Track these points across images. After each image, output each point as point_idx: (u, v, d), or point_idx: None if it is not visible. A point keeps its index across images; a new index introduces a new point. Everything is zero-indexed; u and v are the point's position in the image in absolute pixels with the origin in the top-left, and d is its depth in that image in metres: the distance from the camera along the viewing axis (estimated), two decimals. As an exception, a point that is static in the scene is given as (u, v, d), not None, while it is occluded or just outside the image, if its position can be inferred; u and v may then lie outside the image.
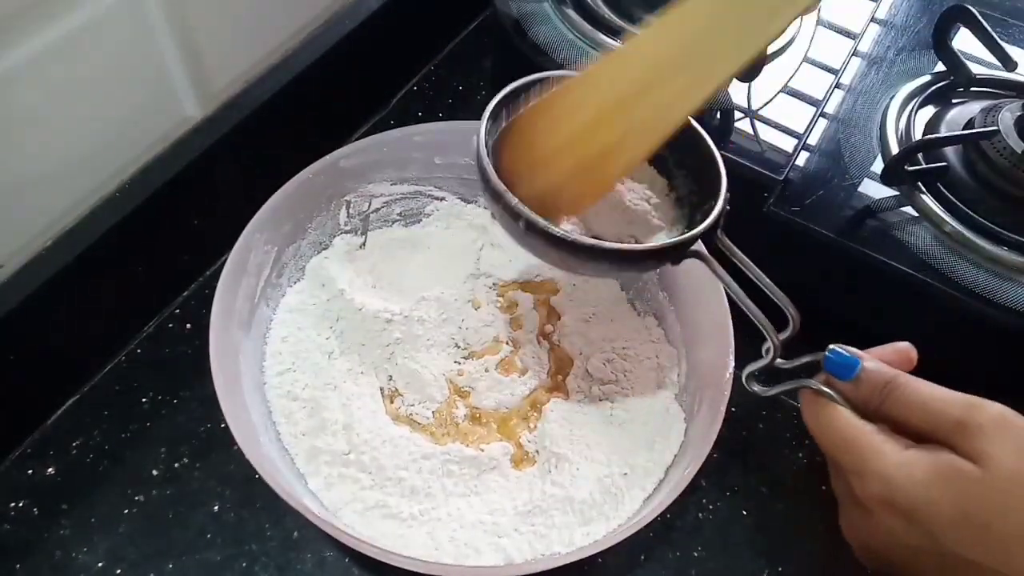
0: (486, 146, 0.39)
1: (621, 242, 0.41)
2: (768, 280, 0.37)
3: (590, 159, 0.38)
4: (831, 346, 0.36)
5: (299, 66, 0.55)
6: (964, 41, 0.56)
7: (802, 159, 0.52)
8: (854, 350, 0.36)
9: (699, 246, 0.39)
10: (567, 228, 0.40)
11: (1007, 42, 0.56)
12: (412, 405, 0.48)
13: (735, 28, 0.34)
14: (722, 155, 0.41)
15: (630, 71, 0.37)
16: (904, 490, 0.32)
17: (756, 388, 0.38)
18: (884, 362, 0.36)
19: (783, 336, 0.36)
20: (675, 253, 0.38)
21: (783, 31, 0.33)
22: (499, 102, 0.41)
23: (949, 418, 0.32)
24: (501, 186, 0.38)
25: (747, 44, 0.34)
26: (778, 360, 0.37)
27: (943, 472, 0.31)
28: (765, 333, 0.36)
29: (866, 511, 0.34)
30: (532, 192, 0.38)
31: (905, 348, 0.36)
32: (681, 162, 0.43)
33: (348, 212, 0.53)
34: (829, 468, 0.37)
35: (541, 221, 0.37)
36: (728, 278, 0.38)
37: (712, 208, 0.38)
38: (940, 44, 0.56)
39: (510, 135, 0.41)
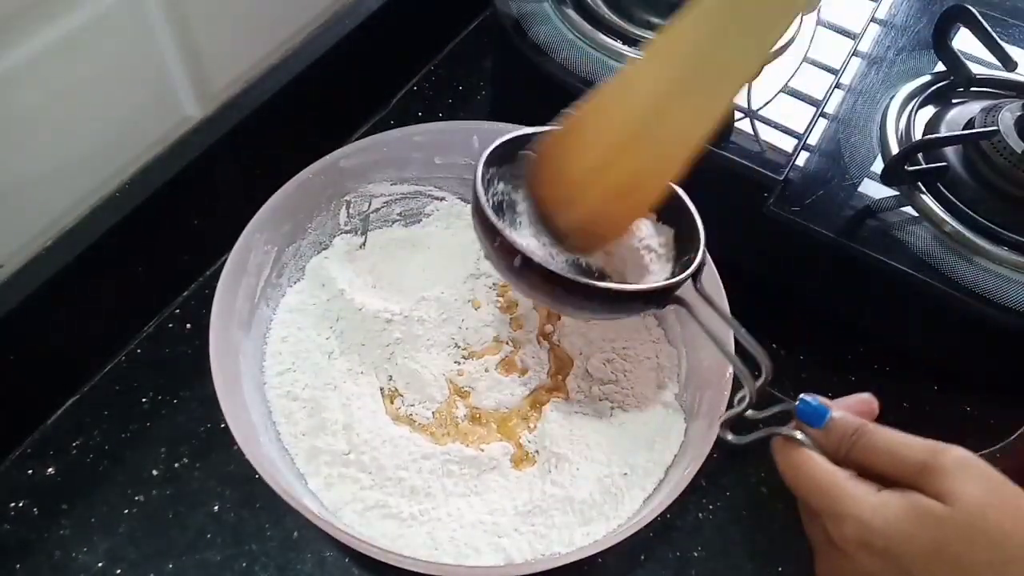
0: (483, 182, 0.40)
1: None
2: (744, 331, 0.38)
3: (621, 185, 0.39)
4: (802, 395, 0.37)
5: (299, 66, 0.55)
6: (964, 41, 0.56)
7: (802, 159, 0.52)
8: (822, 399, 0.37)
9: (683, 292, 0.40)
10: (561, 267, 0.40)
11: (1007, 42, 0.56)
12: (412, 405, 0.48)
13: (738, 38, 0.35)
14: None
15: (642, 94, 0.38)
16: (879, 531, 0.34)
17: (730, 438, 0.38)
18: (849, 411, 0.37)
19: (757, 384, 0.37)
20: (662, 296, 0.40)
21: (782, 36, 0.34)
22: (497, 148, 0.41)
23: (915, 462, 0.34)
24: (497, 224, 0.39)
25: (751, 55, 0.36)
26: (749, 411, 0.37)
27: (914, 512, 0.33)
28: (743, 382, 0.37)
29: (843, 554, 0.36)
30: (569, 223, 0.39)
31: (868, 399, 0.37)
32: (661, 216, 0.44)
33: (348, 212, 0.53)
34: (801, 513, 0.39)
35: (537, 255, 0.38)
36: (710, 324, 0.39)
37: (692, 259, 0.40)
38: (940, 44, 0.56)
39: (538, 169, 0.41)
